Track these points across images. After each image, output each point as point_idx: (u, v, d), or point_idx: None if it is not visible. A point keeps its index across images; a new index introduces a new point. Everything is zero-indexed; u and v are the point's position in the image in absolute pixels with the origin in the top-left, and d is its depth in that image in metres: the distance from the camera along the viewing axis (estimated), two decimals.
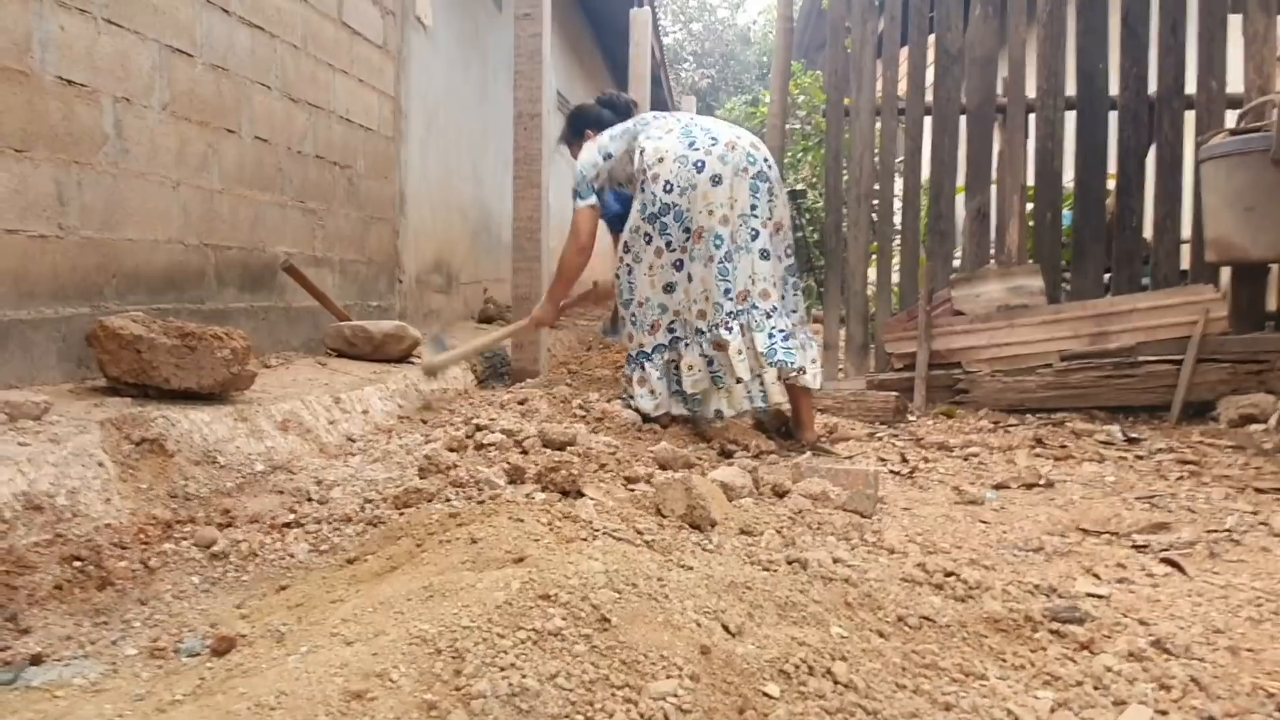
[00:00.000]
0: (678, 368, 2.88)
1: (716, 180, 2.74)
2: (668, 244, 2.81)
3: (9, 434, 1.88)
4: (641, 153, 2.87)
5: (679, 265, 2.82)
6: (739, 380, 2.77)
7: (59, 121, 2.39)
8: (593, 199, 2.97)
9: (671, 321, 2.87)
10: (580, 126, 3.34)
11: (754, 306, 2.76)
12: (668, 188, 2.77)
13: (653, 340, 2.89)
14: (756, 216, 2.78)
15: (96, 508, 1.77)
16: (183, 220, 2.93)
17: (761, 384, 2.83)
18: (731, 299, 2.73)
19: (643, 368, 2.90)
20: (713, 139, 2.80)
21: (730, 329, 2.72)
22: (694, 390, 2.82)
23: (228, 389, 2.40)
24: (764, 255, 2.78)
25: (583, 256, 2.99)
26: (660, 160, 2.80)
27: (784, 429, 3.01)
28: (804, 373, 2.78)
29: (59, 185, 2.41)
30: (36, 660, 1.24)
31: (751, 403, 2.92)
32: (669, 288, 2.84)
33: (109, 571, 1.57)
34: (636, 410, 2.89)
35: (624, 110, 3.34)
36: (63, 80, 2.39)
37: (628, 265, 2.90)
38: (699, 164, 2.75)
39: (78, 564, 1.58)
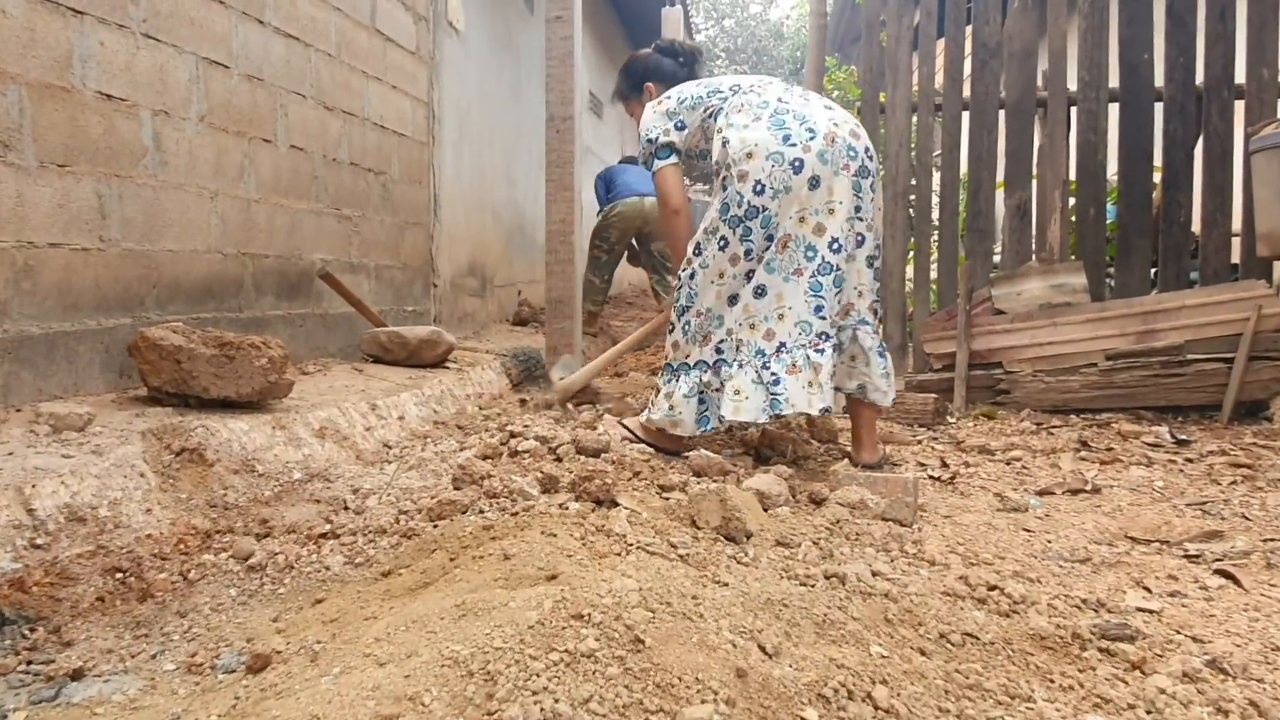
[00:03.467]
0: (717, 391, 2.49)
1: (814, 183, 2.37)
2: (746, 252, 2.42)
3: (53, 446, 1.91)
4: (725, 143, 2.45)
5: (749, 275, 2.44)
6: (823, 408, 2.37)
7: (99, 136, 2.43)
8: (672, 157, 2.60)
9: (721, 341, 2.49)
10: (639, 78, 2.96)
11: (862, 321, 2.50)
12: (758, 188, 2.37)
13: (699, 353, 2.51)
14: (861, 220, 2.44)
15: (138, 519, 1.80)
16: (220, 230, 2.96)
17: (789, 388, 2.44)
18: (824, 318, 2.39)
19: (674, 381, 2.55)
20: (810, 130, 2.39)
21: (822, 350, 2.38)
22: (736, 418, 2.40)
23: (266, 397, 2.43)
24: (869, 263, 2.49)
25: (680, 216, 2.63)
26: (749, 156, 2.39)
27: (832, 445, 2.85)
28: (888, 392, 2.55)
29: (100, 198, 2.45)
30: (77, 675, 1.26)
31: (767, 414, 2.42)
32: (733, 300, 2.47)
33: (149, 583, 1.59)
34: (647, 424, 2.57)
35: (689, 60, 2.96)
36: (103, 95, 2.43)
37: (692, 270, 2.51)
38: (796, 163, 2.36)
39: (119, 575, 1.60)
